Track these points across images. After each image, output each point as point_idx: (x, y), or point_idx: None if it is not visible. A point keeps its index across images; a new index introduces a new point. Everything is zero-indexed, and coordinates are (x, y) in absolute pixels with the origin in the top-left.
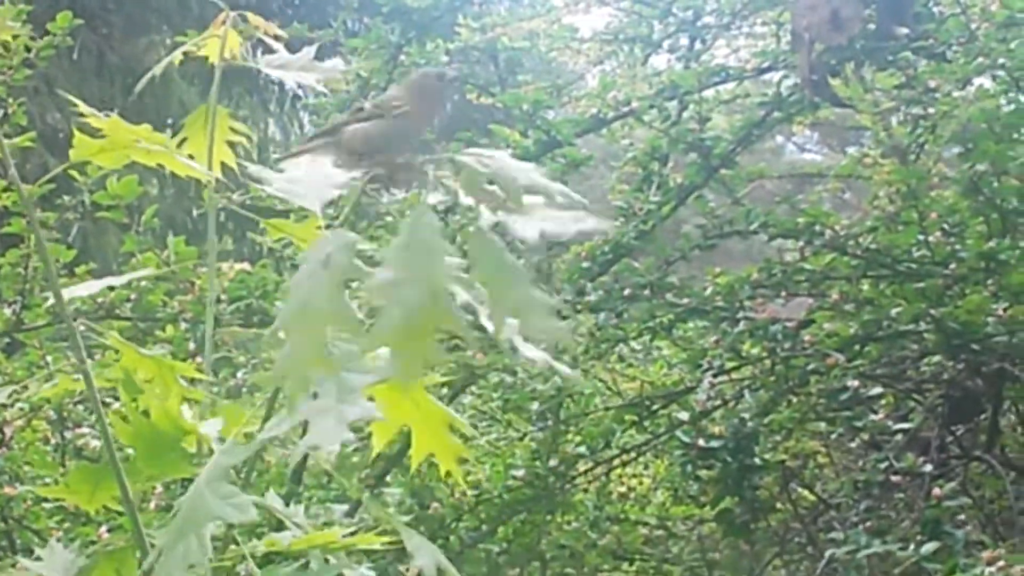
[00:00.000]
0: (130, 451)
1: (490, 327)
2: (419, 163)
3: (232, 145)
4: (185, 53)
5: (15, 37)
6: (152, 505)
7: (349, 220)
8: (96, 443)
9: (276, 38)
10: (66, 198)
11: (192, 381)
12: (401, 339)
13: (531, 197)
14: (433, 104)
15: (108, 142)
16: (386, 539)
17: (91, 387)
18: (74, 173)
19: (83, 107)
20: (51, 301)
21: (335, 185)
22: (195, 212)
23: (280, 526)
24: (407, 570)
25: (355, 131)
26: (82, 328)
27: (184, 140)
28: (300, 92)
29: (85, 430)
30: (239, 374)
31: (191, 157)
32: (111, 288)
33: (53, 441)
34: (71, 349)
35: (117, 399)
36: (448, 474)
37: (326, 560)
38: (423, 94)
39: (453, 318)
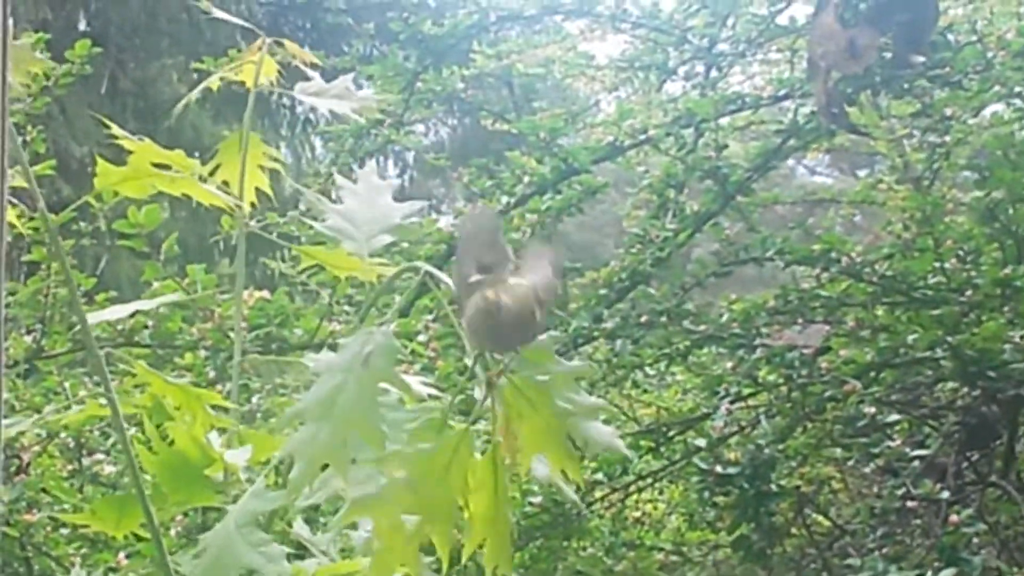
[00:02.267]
0: (150, 478)
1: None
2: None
3: (263, 170)
4: (195, 72)
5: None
6: (173, 532)
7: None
8: (111, 468)
9: (313, 66)
10: (82, 224)
11: (219, 409)
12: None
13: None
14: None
15: (131, 170)
16: (407, 570)
17: (117, 414)
18: (90, 199)
19: (116, 129)
20: (75, 328)
21: (388, 228)
22: (211, 239)
23: (303, 552)
24: None
25: None
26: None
27: (218, 167)
28: (312, 117)
29: (100, 456)
30: (254, 399)
31: (226, 183)
32: (134, 313)
33: (70, 467)
34: (95, 376)
35: (136, 426)
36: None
37: None
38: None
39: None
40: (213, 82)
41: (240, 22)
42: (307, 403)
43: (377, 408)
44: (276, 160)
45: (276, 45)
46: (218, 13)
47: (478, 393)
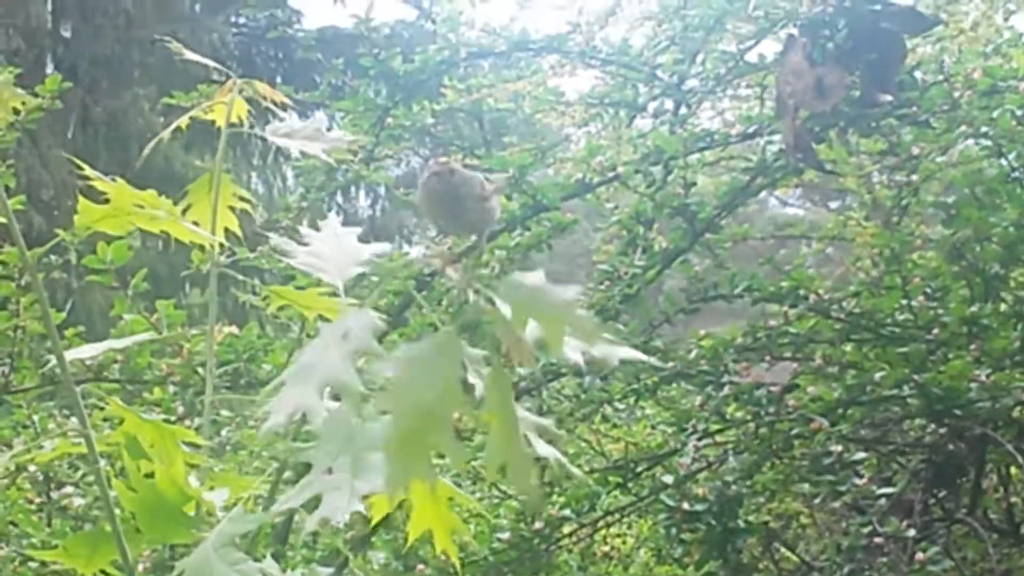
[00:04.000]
0: (124, 514)
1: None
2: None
3: (233, 209)
4: (165, 105)
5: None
6: (141, 567)
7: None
8: (79, 501)
9: (282, 106)
10: (52, 257)
11: (190, 445)
12: (398, 450)
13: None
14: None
15: (113, 208)
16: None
17: (93, 451)
18: (61, 231)
19: (89, 171)
20: (45, 363)
21: (358, 262)
22: (182, 273)
23: None
24: None
25: None
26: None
27: (188, 207)
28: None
29: (69, 489)
30: (224, 431)
31: (196, 223)
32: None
33: (38, 500)
34: (66, 410)
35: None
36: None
37: None
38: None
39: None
40: (183, 122)
41: (212, 63)
42: (287, 372)
43: (353, 367)
44: (245, 200)
45: (247, 85)
46: (189, 55)
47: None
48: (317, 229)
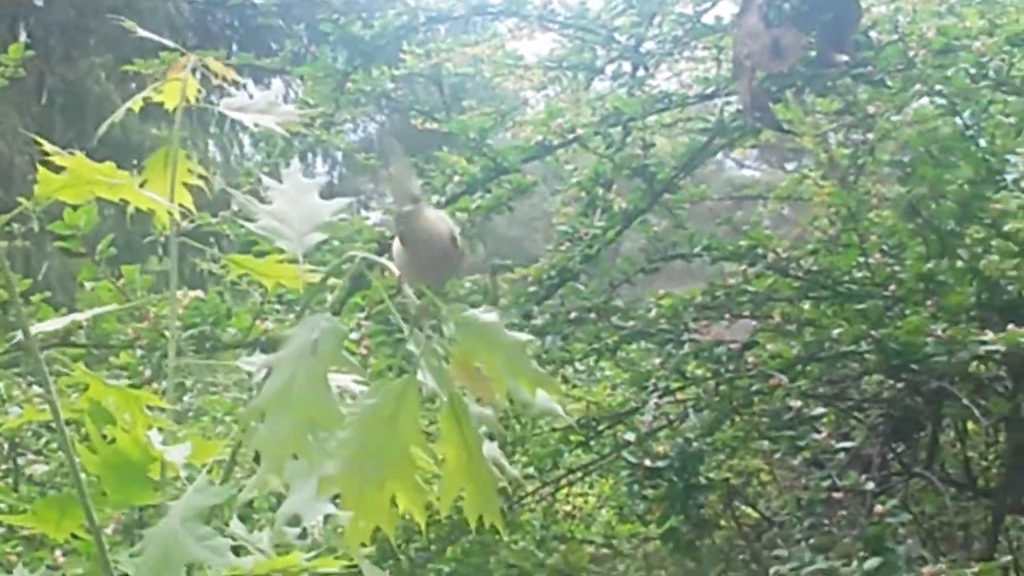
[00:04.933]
0: (90, 478)
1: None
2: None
3: (188, 186)
4: (124, 71)
5: None
6: (110, 530)
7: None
8: (43, 468)
9: (235, 84)
10: (14, 226)
11: (155, 409)
12: (355, 504)
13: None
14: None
15: (72, 177)
16: (346, 563)
17: (58, 417)
18: (22, 199)
19: (48, 146)
20: (11, 331)
21: (320, 224)
22: (143, 240)
23: (239, 550)
24: None
25: None
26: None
27: (145, 182)
28: None
29: (32, 456)
30: (186, 397)
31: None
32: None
33: (4, 467)
34: (34, 378)
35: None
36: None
37: None
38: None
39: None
40: (136, 103)
41: (165, 42)
42: (264, 398)
43: (330, 392)
44: (202, 177)
45: (200, 62)
46: (142, 32)
47: (414, 345)
48: (280, 181)
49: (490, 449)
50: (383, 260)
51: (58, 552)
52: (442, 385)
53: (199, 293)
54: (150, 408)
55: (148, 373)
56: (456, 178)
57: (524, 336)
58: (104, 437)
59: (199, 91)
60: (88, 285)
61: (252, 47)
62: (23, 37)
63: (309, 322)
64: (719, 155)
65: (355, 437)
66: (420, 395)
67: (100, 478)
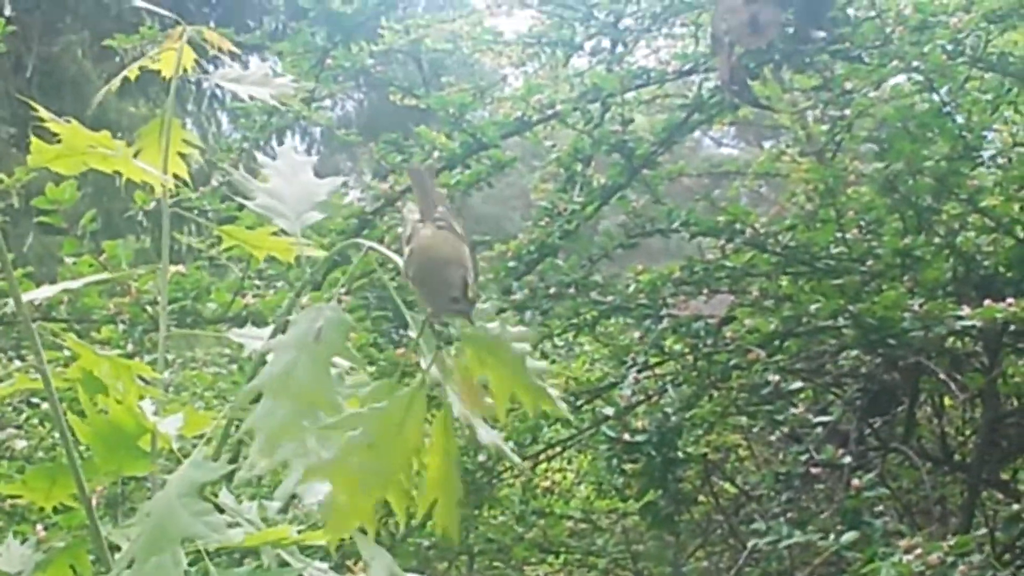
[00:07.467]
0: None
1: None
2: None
3: (183, 155)
4: (104, 48)
5: None
6: (95, 502)
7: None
8: (22, 444)
9: (230, 54)
10: None
11: (143, 381)
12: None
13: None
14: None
15: (65, 148)
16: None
17: (49, 386)
18: (4, 176)
19: (44, 112)
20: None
21: (315, 202)
22: (124, 214)
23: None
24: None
25: None
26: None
27: (139, 151)
28: (218, 93)
29: (12, 431)
30: (166, 373)
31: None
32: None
33: None
34: (23, 350)
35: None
36: None
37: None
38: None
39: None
40: (133, 71)
41: (159, 10)
42: (263, 379)
43: (331, 381)
44: (194, 146)
45: (196, 34)
46: (137, 2)
47: (423, 359)
48: (273, 157)
49: (491, 436)
50: (388, 252)
51: (39, 526)
52: (445, 396)
53: (181, 268)
54: (140, 379)
55: (131, 347)
56: (436, 154)
57: (526, 346)
58: (96, 406)
59: (195, 61)
60: (69, 260)
61: (230, 23)
62: (7, 11)
63: (312, 310)
64: (697, 133)
65: (364, 439)
66: (426, 406)
67: (92, 448)
